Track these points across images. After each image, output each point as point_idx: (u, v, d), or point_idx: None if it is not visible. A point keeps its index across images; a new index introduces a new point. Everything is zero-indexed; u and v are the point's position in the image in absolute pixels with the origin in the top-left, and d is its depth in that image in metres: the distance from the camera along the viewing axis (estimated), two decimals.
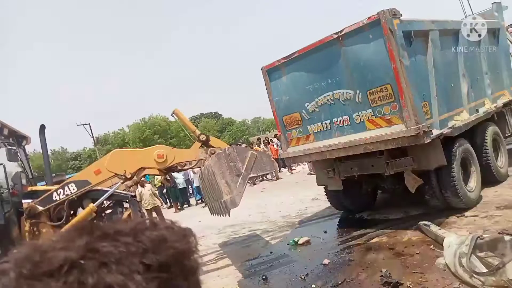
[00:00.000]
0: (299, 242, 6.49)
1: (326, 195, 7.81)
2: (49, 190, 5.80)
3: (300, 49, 6.22)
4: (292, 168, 16.84)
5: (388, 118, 5.48)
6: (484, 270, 3.66)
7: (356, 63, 5.61)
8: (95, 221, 5.25)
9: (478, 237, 3.93)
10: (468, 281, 3.76)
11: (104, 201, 6.19)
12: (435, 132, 5.55)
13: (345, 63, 5.74)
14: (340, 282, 4.69)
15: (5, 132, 6.00)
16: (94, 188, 5.87)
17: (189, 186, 15.89)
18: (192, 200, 15.70)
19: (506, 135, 8.23)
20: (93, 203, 5.79)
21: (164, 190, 15.48)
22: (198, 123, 53.01)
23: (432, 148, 5.73)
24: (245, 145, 17.02)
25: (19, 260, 0.50)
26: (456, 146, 6.09)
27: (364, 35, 5.42)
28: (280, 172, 16.85)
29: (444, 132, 5.75)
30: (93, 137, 40.93)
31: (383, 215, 7.08)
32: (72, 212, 6.08)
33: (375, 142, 5.59)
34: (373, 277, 4.60)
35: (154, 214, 10.13)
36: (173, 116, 6.61)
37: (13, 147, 6.16)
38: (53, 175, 7.35)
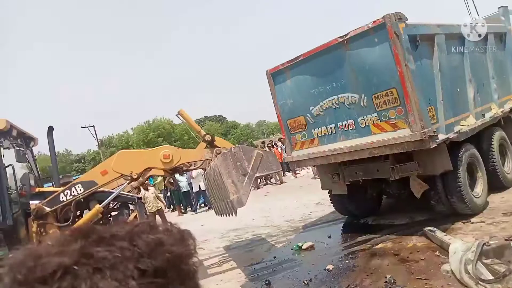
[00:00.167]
0: (303, 247, 6.44)
1: (330, 199, 7.77)
2: (56, 191, 5.82)
3: (305, 53, 6.20)
4: (297, 172, 16.80)
5: (394, 122, 5.44)
6: (490, 277, 3.61)
7: (362, 66, 5.58)
8: (94, 224, 5.26)
9: (484, 243, 3.89)
10: None
11: (110, 203, 6.21)
12: (441, 137, 5.50)
13: (350, 67, 5.71)
14: None
15: (14, 133, 6.04)
16: (100, 189, 5.89)
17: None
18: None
19: None
20: (99, 204, 5.81)
21: (168, 194, 15.48)
22: (202, 126, 52.70)
23: (438, 153, 5.68)
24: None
25: (14, 265, 0.50)
26: (462, 151, 6.03)
27: (370, 39, 5.40)
28: (284, 176, 16.82)
29: (450, 137, 5.71)
30: (97, 139, 41.16)
31: (388, 221, 7.02)
32: (78, 213, 6.10)
33: (380, 147, 5.55)
34: (377, 283, 4.55)
35: (157, 218, 10.12)
36: (178, 117, 6.63)
37: (21, 148, 6.20)
38: (60, 176, 7.40)
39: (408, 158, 5.92)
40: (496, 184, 6.81)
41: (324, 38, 6.00)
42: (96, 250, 0.50)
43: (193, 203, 14.65)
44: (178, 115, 6.55)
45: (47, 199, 5.68)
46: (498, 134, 7.18)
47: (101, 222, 5.92)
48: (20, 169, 6.39)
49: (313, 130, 6.49)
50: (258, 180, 15.73)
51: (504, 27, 8.30)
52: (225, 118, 76.17)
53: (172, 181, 13.97)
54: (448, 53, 6.22)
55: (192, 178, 13.71)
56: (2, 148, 5.63)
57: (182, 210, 14.64)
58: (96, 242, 0.52)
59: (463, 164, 5.95)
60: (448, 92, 6.01)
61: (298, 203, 10.45)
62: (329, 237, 6.84)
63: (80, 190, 5.67)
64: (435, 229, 5.39)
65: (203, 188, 13.80)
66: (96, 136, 40.15)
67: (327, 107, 6.15)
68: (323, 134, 6.36)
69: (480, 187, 6.37)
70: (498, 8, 8.64)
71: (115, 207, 6.78)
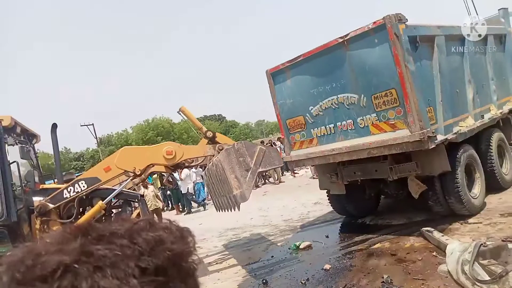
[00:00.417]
0: (301, 247, 6.46)
1: (328, 199, 7.78)
2: (59, 188, 5.83)
3: (305, 53, 6.21)
4: (295, 171, 16.81)
5: (393, 122, 5.45)
6: (487, 278, 3.62)
7: (361, 67, 5.59)
8: (97, 221, 5.27)
9: (482, 244, 3.90)
10: None
11: (113, 200, 6.22)
12: (440, 137, 5.51)
13: (350, 67, 5.72)
14: None
15: (18, 130, 6.05)
16: (103, 186, 5.90)
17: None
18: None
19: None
20: (102, 201, 5.82)
21: (168, 192, 15.48)
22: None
23: (436, 154, 5.69)
24: None
25: (13, 264, 0.49)
26: (461, 152, 6.05)
27: (370, 40, 5.41)
28: (282, 175, 16.83)
29: (449, 138, 5.72)
30: (96, 137, 41.13)
31: (385, 221, 7.04)
32: (80, 210, 6.11)
33: (379, 147, 5.56)
34: (374, 283, 4.56)
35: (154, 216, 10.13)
36: (180, 114, 6.63)
37: (25, 145, 6.21)
38: (63, 173, 7.40)
39: (407, 158, 5.94)
40: (493, 185, 6.83)
41: (324, 39, 6.00)
42: (96, 248, 0.50)
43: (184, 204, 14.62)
44: (180, 112, 6.56)
45: (50, 196, 5.69)
46: (496, 136, 7.20)
47: (103, 219, 5.93)
48: (25, 166, 6.40)
49: (312, 130, 6.50)
50: (257, 179, 15.74)
51: (504, 29, 8.32)
52: (225, 117, 76.20)
53: (171, 180, 13.99)
54: (447, 54, 6.23)
55: (181, 179, 13.67)
56: (6, 145, 5.64)
57: (180, 209, 14.65)
58: (96, 240, 0.52)
59: (461, 165, 5.97)
60: (447, 93, 6.03)
61: (296, 202, 10.47)
62: (327, 236, 6.85)
63: (84, 186, 5.68)
64: (433, 229, 5.40)
65: (191, 190, 13.86)
66: (95, 135, 40.15)
67: (327, 107, 6.16)
68: (322, 134, 6.37)
69: (478, 188, 6.39)
70: (498, 10, 8.67)
71: (115, 204, 6.79)
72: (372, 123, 5.68)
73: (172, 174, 12.86)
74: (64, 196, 5.65)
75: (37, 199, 5.74)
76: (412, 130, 5.21)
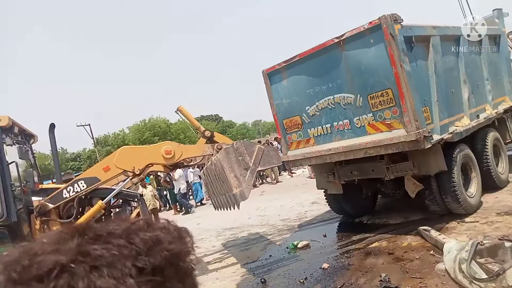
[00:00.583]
0: (299, 246, 6.47)
1: (326, 199, 7.80)
2: (58, 188, 5.82)
3: (301, 53, 6.22)
4: (292, 171, 16.84)
5: (389, 122, 5.48)
6: (484, 276, 3.65)
7: (357, 67, 5.61)
8: (96, 221, 5.27)
9: (478, 243, 3.93)
10: (468, 287, 3.75)
11: (112, 199, 6.21)
12: (436, 137, 5.54)
13: (346, 67, 5.74)
14: (339, 287, 4.68)
15: (16, 130, 6.03)
16: (102, 186, 5.90)
17: (189, 189, 15.85)
18: (192, 201, 15.67)
19: (507, 141, 8.21)
20: (102, 201, 5.81)
21: (165, 192, 15.47)
22: None
23: (432, 153, 5.73)
24: None
25: (9, 264, 0.49)
26: (457, 151, 6.08)
27: (365, 40, 5.43)
28: (280, 175, 16.85)
29: (445, 137, 5.75)
30: (93, 138, 40.98)
31: (383, 220, 7.06)
32: (80, 210, 6.10)
33: (375, 147, 5.58)
34: (372, 282, 4.59)
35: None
36: (177, 113, 6.62)
37: (23, 145, 6.19)
38: (62, 173, 7.38)
39: (403, 158, 5.96)
40: (490, 184, 6.87)
41: (320, 38, 6.03)
42: (93, 248, 0.49)
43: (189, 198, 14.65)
44: (178, 111, 6.55)
45: (50, 196, 5.68)
46: (492, 135, 7.25)
47: (103, 219, 5.93)
48: (23, 166, 6.38)
49: (309, 130, 6.51)
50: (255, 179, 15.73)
51: (498, 29, 8.36)
52: (221, 117, 76.20)
53: (168, 180, 13.97)
54: (443, 55, 6.27)
55: (175, 180, 13.67)
56: (4, 145, 5.62)
57: (178, 209, 14.65)
58: (93, 239, 0.51)
59: (458, 164, 6.00)
60: (443, 93, 6.06)
61: (293, 202, 10.48)
62: (325, 236, 6.87)
63: (83, 186, 5.67)
64: (430, 228, 5.44)
65: (183, 191, 13.87)
66: (92, 135, 39.98)
67: (323, 107, 6.18)
68: (319, 134, 6.39)
69: (474, 187, 6.43)
70: (493, 10, 8.70)
71: (114, 203, 6.79)
72: (369, 123, 5.70)
73: (170, 174, 12.85)
74: (64, 196, 5.65)
75: (36, 199, 5.73)
76: (408, 130, 5.24)
